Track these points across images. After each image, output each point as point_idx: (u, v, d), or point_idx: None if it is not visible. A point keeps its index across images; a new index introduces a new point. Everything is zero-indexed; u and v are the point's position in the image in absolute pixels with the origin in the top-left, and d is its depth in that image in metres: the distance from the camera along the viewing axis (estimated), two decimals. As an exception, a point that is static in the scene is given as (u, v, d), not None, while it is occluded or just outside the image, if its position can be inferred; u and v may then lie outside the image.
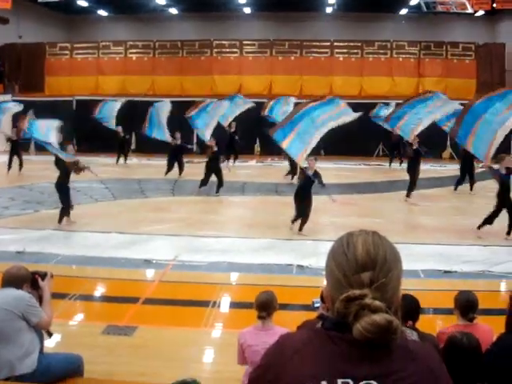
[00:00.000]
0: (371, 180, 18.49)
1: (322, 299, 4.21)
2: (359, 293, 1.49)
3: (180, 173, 18.29)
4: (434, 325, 6.24)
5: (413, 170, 14.51)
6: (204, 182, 15.37)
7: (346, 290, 1.51)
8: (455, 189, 16.14)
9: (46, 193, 14.78)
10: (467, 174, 16.00)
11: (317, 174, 11.14)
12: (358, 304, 1.48)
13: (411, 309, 4.31)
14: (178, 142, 18.09)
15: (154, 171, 18.78)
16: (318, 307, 3.16)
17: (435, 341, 4.26)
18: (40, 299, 4.56)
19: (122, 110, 21.76)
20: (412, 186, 14.43)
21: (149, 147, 21.78)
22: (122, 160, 21.71)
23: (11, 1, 21.81)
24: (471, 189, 16.08)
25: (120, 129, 21.32)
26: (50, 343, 5.41)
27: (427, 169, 17.84)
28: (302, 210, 11.12)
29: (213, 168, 15.28)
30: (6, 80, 27.42)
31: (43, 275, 4.65)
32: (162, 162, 18.87)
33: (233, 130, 20.19)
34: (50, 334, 4.70)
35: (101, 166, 20.76)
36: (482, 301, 4.89)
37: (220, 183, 15.24)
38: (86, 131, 24.56)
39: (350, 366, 1.46)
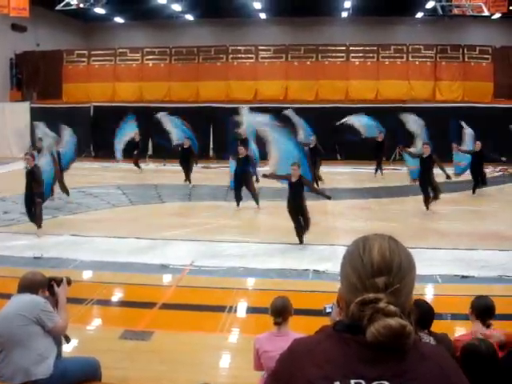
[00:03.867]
0: (387, 184, 18.40)
1: (338, 304, 4.20)
2: (374, 297, 1.51)
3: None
4: (452, 330, 6.19)
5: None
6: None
7: (360, 294, 1.53)
8: (473, 192, 16.10)
9: (64, 199, 14.90)
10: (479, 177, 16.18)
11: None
12: (372, 307, 1.50)
13: (427, 317, 4.29)
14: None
15: (171, 176, 18.85)
16: (329, 312, 3.14)
17: (448, 340, 4.24)
18: (57, 305, 4.59)
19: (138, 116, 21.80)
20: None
21: (165, 152, 21.85)
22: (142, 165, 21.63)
23: (29, 9, 22.01)
24: (474, 192, 16.23)
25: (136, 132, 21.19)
26: (67, 348, 5.44)
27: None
28: None
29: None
30: (25, 87, 27.70)
31: (59, 281, 4.67)
32: (178, 167, 18.92)
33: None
34: (67, 339, 4.72)
35: (118, 172, 20.95)
36: (500, 306, 4.85)
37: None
38: (102, 137, 24.76)
39: (363, 367, 1.48)
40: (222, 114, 24.35)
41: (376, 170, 19.87)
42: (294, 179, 10.64)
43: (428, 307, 4.47)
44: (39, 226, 11.47)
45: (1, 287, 7.64)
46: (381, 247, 1.57)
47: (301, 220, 10.70)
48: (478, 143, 16.16)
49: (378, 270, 1.54)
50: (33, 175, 11.43)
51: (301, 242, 10.70)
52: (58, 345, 4.60)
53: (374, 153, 19.75)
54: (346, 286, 1.61)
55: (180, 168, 18.20)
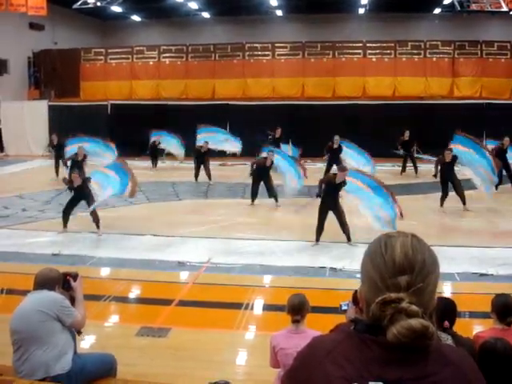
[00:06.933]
0: (406, 182, 18.28)
1: (354, 301, 4.16)
2: (395, 296, 1.47)
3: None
4: (471, 328, 6.14)
5: None
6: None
7: (382, 293, 1.49)
8: (496, 189, 15.96)
9: (82, 196, 14.98)
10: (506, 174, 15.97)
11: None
12: (393, 307, 1.46)
13: (448, 310, 4.25)
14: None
15: (188, 174, 18.87)
16: (345, 310, 3.12)
17: (472, 346, 4.18)
18: (72, 300, 4.62)
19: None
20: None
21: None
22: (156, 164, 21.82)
23: (46, 7, 22.17)
24: None
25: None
26: (84, 344, 5.48)
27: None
28: None
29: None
30: (42, 86, 27.91)
31: (74, 276, 4.71)
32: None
33: (277, 135, 20.22)
34: (79, 333, 4.75)
35: (135, 170, 21.00)
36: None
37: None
38: (120, 135, 24.85)
39: (383, 369, 1.45)
40: (239, 111, 24.38)
41: (403, 168, 19.78)
42: (338, 181, 10.61)
43: (448, 301, 4.42)
44: (98, 227, 11.54)
45: (20, 284, 7.70)
46: (403, 245, 1.53)
47: (324, 223, 10.65)
48: (507, 139, 15.94)
49: (401, 269, 1.50)
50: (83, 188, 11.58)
51: (349, 239, 10.57)
52: (74, 340, 4.63)
53: (403, 151, 19.60)
54: (367, 285, 1.57)
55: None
